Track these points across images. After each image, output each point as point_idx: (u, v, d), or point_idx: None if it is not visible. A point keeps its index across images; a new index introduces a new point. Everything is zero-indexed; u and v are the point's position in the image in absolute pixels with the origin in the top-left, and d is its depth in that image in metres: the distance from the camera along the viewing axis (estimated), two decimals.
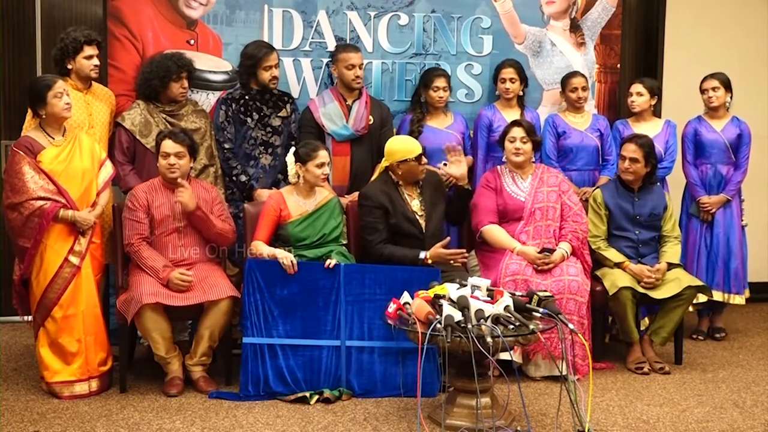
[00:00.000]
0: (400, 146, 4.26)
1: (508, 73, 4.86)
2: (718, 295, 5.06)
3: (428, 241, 4.24)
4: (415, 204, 4.30)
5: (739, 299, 5.10)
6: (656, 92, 5.01)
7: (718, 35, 5.87)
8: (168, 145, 4.07)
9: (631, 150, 4.49)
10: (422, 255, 4.12)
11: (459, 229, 4.78)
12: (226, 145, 4.53)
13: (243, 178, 4.52)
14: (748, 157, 5.07)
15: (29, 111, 4.10)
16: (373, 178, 4.41)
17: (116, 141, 4.42)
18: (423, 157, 4.25)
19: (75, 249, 3.95)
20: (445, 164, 4.47)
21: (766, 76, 5.95)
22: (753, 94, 5.54)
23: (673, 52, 5.76)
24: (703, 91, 5.06)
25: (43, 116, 3.94)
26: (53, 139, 3.96)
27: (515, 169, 4.48)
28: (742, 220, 5.13)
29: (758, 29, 5.98)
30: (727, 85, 5.03)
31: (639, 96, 4.95)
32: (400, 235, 4.24)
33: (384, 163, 4.30)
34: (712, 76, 5.03)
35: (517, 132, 4.40)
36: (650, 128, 4.95)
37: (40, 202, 3.85)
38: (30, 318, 4.07)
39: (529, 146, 4.40)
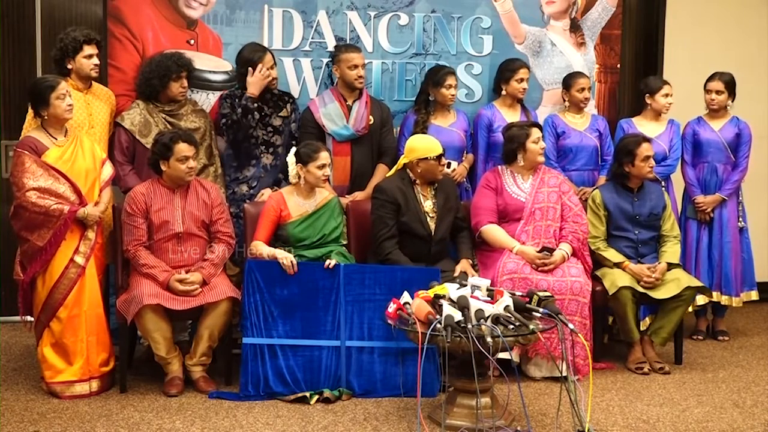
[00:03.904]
0: (422, 144, 4.26)
1: (525, 72, 4.85)
2: (716, 297, 5.05)
3: (435, 246, 4.25)
4: (428, 205, 4.30)
5: (736, 301, 5.07)
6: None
7: (718, 35, 5.86)
8: (185, 149, 4.03)
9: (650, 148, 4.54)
10: None
11: None
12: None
13: (244, 188, 4.53)
14: (747, 157, 5.05)
15: (30, 111, 4.10)
16: (389, 174, 4.40)
17: (116, 141, 4.42)
18: (443, 158, 4.26)
19: (80, 249, 3.95)
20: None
21: (766, 76, 5.95)
22: (753, 94, 5.53)
23: (673, 52, 5.76)
24: (707, 91, 5.04)
25: (45, 117, 3.93)
26: (56, 139, 3.96)
27: (516, 170, 4.48)
28: (739, 222, 5.09)
29: (758, 29, 5.97)
30: (731, 87, 5.00)
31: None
32: (407, 235, 4.23)
33: (403, 160, 4.29)
34: (719, 77, 5.00)
35: (539, 132, 4.42)
36: (655, 127, 4.96)
37: (55, 204, 3.85)
38: (29, 318, 4.06)
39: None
